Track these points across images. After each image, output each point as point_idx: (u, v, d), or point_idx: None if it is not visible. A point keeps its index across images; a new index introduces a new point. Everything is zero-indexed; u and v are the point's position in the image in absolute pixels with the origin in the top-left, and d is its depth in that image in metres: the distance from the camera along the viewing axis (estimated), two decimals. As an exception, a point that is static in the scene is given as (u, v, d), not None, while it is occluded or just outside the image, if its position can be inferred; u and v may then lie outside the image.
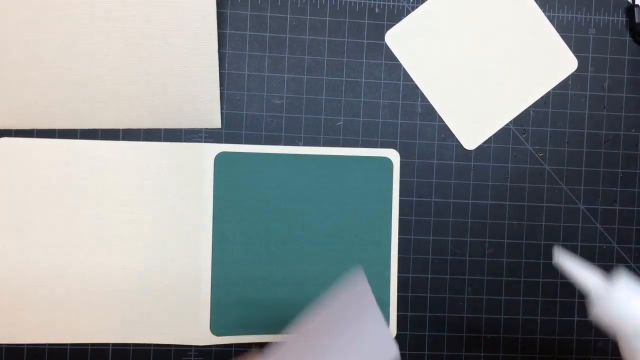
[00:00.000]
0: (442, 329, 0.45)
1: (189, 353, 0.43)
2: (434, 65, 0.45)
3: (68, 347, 0.42)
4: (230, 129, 0.43)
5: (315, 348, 0.33)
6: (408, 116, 0.45)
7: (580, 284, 0.26)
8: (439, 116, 0.45)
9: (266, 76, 0.44)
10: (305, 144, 0.44)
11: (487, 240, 0.45)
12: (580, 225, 0.46)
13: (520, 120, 0.45)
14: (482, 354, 0.45)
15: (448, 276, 0.45)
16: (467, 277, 0.45)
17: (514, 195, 0.45)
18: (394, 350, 0.35)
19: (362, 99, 0.44)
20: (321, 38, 0.44)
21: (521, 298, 0.45)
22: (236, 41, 0.43)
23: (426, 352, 0.44)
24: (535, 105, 0.45)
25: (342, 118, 0.44)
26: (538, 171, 0.45)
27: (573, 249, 0.45)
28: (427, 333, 0.44)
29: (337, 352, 0.32)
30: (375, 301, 0.34)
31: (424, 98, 0.45)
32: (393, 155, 0.44)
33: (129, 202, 0.42)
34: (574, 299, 0.45)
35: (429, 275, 0.44)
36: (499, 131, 0.45)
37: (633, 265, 0.46)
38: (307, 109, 0.44)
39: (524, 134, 0.45)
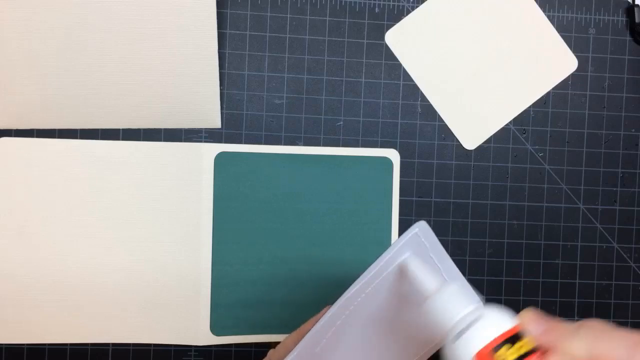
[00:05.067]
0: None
1: (189, 353, 0.43)
2: (434, 65, 0.45)
3: (68, 347, 0.42)
4: (230, 129, 0.43)
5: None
6: (408, 116, 0.45)
7: (417, 283, 0.28)
8: (439, 116, 0.45)
9: (266, 76, 0.44)
10: (305, 144, 0.44)
11: (487, 240, 0.45)
12: (580, 225, 0.46)
13: (520, 120, 0.45)
14: (482, 354, 0.45)
15: (448, 276, 0.45)
16: (467, 276, 0.45)
17: (514, 195, 0.45)
18: (475, 299, 0.27)
19: (362, 99, 0.44)
20: (321, 38, 0.44)
21: (521, 298, 0.45)
22: (236, 41, 0.43)
23: (426, 352, 0.44)
24: (535, 105, 0.45)
25: (342, 118, 0.44)
26: (538, 171, 0.45)
27: (573, 249, 0.45)
28: (427, 333, 0.44)
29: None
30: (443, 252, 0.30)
31: (424, 98, 0.45)
32: (393, 155, 0.44)
33: (129, 201, 0.42)
34: (574, 299, 0.45)
35: (429, 275, 0.44)
36: (499, 131, 0.45)
37: (633, 265, 0.46)
38: (307, 109, 0.44)
39: (524, 134, 0.45)
